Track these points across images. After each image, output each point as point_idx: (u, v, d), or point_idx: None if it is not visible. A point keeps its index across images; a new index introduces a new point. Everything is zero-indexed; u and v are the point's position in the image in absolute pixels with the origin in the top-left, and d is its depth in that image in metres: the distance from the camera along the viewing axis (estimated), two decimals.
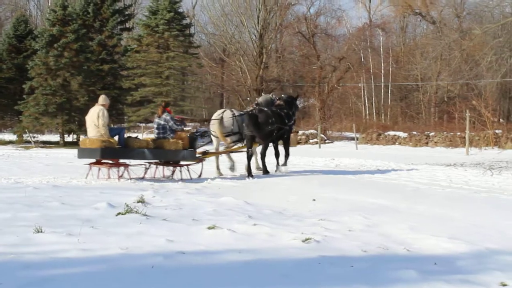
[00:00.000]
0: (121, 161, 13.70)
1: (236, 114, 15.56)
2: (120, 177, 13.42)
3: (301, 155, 24.15)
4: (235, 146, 15.85)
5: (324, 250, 6.12)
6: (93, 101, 37.12)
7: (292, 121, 16.13)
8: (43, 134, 39.03)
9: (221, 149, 15.78)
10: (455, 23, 44.54)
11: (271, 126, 14.83)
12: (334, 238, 6.72)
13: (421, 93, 48.30)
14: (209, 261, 5.55)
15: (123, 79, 41.69)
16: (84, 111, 36.39)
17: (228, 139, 15.33)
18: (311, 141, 38.51)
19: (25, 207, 8.24)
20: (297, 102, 16.70)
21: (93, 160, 13.59)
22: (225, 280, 5.00)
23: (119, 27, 44.18)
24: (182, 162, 14.22)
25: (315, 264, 5.57)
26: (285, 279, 5.09)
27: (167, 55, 42.75)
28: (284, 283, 4.99)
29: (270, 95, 16.95)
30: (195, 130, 15.04)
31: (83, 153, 13.65)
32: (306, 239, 6.48)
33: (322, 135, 38.06)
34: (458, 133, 32.17)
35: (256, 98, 16.96)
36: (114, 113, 38.09)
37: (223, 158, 16.02)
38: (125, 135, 14.37)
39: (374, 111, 52.79)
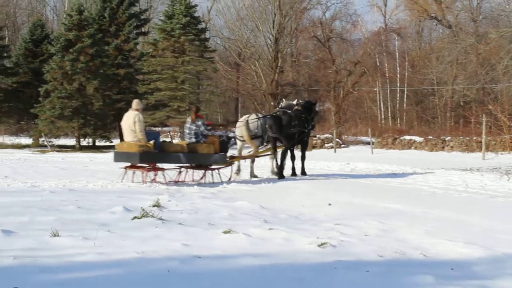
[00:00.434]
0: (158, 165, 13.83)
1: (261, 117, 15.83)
2: (153, 180, 13.50)
3: (317, 160, 24.14)
4: (261, 150, 16.06)
5: (340, 254, 6.11)
6: (108, 106, 37.41)
7: (311, 126, 16.37)
8: (59, 138, 39.23)
9: (245, 152, 15.94)
10: (471, 27, 44.13)
11: (293, 129, 15.24)
12: (350, 243, 6.71)
13: (437, 98, 47.94)
14: (225, 266, 5.56)
15: (139, 84, 41.85)
16: (100, 115, 37.28)
17: (257, 142, 15.55)
18: (326, 145, 38.41)
19: (41, 211, 8.29)
20: (316, 107, 16.83)
21: (128, 164, 13.71)
22: (241, 284, 5.01)
23: (135, 31, 44.39)
24: (213, 166, 14.47)
25: (331, 268, 5.56)
26: (301, 283, 5.08)
27: (182, 59, 42.76)
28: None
29: (295, 101, 17.07)
30: (224, 134, 15.20)
31: (120, 157, 13.81)
32: (322, 244, 6.47)
33: (338, 140, 37.93)
34: (474, 138, 31.87)
35: (281, 103, 17.22)
36: None
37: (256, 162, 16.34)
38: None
39: (389, 115, 52.52)
